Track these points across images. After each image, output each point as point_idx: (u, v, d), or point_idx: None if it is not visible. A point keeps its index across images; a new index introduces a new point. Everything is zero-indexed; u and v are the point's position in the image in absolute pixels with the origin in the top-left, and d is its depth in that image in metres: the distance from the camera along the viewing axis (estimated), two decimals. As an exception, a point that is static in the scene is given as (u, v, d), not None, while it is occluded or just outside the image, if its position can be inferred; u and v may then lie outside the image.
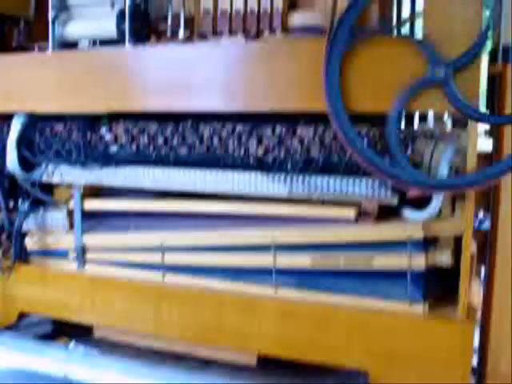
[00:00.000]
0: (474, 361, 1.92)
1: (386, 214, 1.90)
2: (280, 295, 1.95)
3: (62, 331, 2.41)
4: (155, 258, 2.12)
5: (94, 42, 2.25)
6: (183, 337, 2.09)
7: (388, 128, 1.69)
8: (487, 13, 1.84)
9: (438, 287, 1.88)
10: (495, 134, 1.85)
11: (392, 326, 1.80)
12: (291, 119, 1.91)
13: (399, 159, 1.69)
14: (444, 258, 1.82)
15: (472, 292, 1.93)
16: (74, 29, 2.20)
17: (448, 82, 1.62)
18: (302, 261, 1.91)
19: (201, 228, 2.06)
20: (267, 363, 2.02)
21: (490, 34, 2.04)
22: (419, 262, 1.78)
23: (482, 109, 2.02)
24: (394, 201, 1.84)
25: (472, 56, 1.62)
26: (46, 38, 2.21)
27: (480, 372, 1.97)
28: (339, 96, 1.71)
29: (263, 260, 1.96)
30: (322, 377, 2.05)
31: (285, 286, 1.95)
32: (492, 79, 1.89)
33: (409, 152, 1.78)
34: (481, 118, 1.67)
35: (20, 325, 2.44)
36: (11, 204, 2.39)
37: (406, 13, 2.31)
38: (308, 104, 1.81)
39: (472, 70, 1.64)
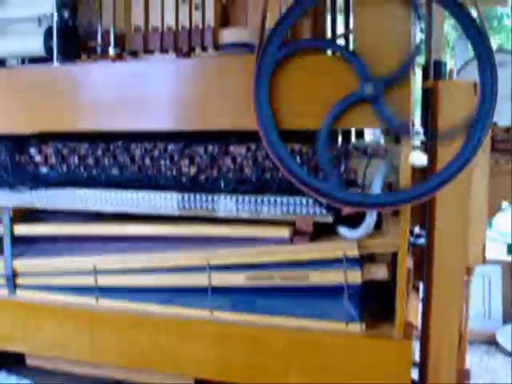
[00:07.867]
0: (415, 375, 1.91)
1: (323, 231, 1.87)
2: (215, 318, 1.90)
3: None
4: (88, 282, 2.05)
5: (23, 61, 2.18)
6: (119, 363, 2.02)
7: (318, 144, 1.67)
8: (418, 29, 1.85)
9: (376, 305, 1.86)
10: (429, 148, 1.85)
11: (330, 347, 1.78)
12: (224, 138, 1.87)
13: (330, 177, 1.67)
14: (380, 274, 1.80)
15: (409, 308, 1.92)
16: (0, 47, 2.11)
17: (377, 98, 1.61)
18: (237, 278, 1.87)
19: (135, 250, 2.00)
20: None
21: (421, 49, 2.07)
22: (355, 279, 1.77)
23: (417, 124, 2.03)
24: (329, 218, 1.82)
25: (402, 73, 1.61)
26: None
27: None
28: (269, 113, 1.69)
29: (198, 280, 1.91)
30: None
31: (220, 309, 1.90)
32: (427, 94, 1.89)
33: (342, 169, 1.76)
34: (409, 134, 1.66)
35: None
36: None
37: (340, 29, 2.32)
38: (240, 122, 1.78)
39: (402, 87, 1.64)
